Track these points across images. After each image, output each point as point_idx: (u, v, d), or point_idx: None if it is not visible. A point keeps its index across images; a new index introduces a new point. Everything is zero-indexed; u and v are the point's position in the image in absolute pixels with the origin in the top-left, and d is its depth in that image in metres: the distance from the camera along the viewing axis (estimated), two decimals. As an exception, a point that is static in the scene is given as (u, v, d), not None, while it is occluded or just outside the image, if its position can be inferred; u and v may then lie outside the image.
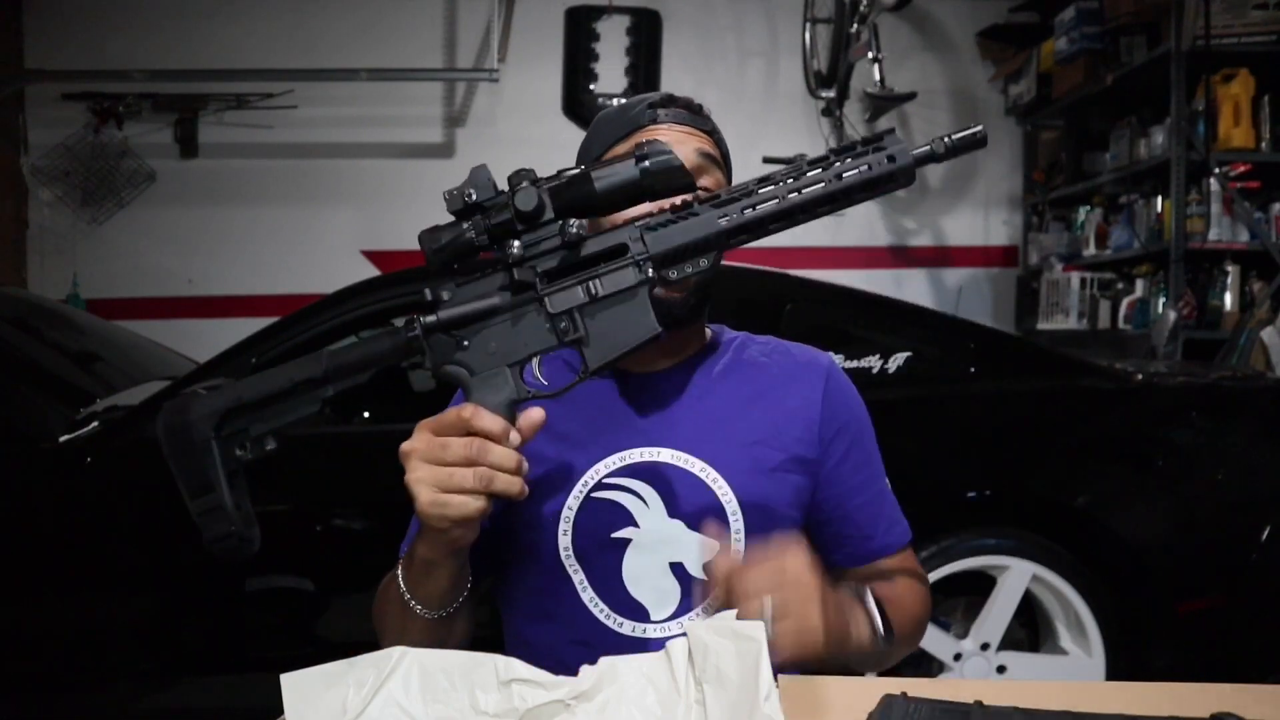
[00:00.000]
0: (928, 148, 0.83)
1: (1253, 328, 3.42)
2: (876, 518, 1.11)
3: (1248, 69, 3.69)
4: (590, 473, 1.03)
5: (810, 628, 0.83)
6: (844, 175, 0.82)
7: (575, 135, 4.27)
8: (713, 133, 1.08)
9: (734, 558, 0.93)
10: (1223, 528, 2.22)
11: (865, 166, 0.82)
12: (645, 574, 1.01)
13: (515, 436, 0.83)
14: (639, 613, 1.01)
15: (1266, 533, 2.17)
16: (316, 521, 2.09)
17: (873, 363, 2.26)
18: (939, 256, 5.13)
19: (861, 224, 4.94)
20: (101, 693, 2.14)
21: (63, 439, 2.16)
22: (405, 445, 0.83)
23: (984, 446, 2.27)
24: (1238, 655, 2.21)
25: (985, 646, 2.18)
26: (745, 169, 1.13)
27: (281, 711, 0.75)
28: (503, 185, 0.83)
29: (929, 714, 0.75)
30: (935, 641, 2.17)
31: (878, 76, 4.10)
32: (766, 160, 4.23)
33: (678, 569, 1.02)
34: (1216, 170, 3.70)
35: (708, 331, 1.14)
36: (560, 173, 0.85)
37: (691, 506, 1.02)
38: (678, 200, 0.87)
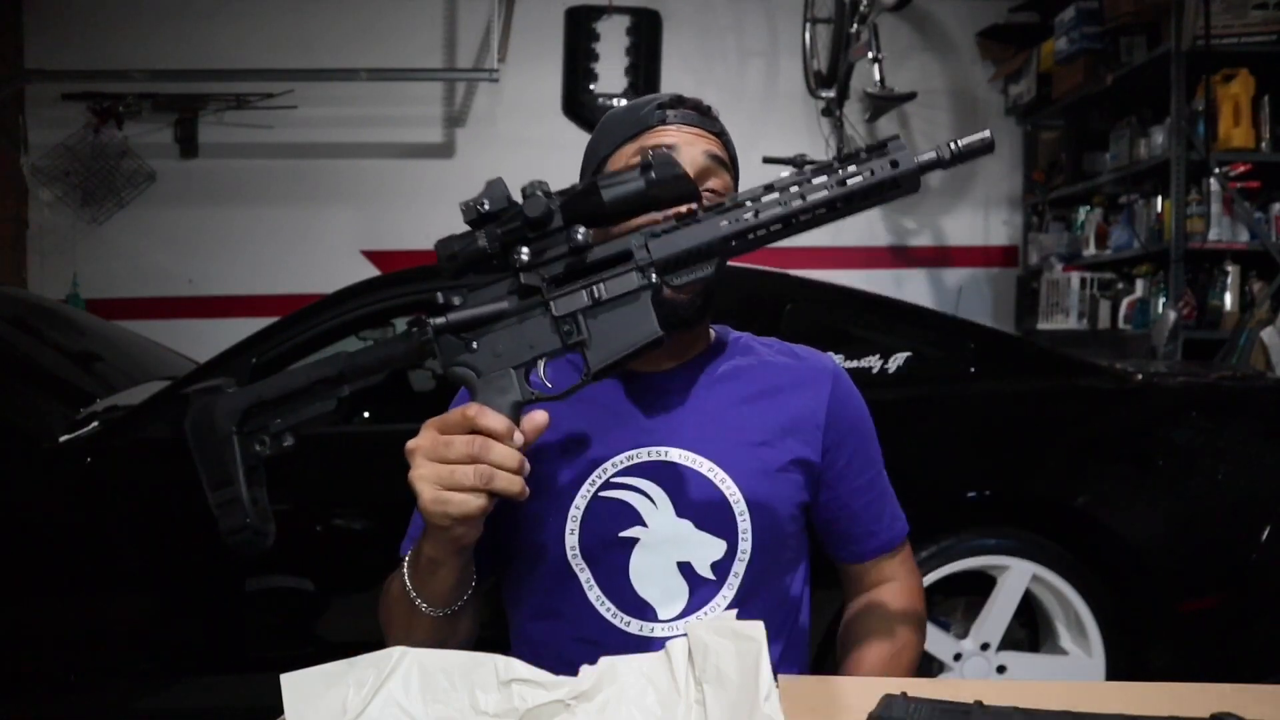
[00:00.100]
0: (933, 154, 0.82)
1: (1253, 328, 3.42)
2: (879, 516, 1.14)
3: (1248, 69, 3.69)
4: (598, 472, 1.03)
5: None
6: (848, 181, 0.82)
7: (575, 135, 4.28)
8: (721, 134, 1.08)
9: None
10: (1223, 528, 2.22)
11: (869, 173, 0.82)
12: (652, 573, 1.02)
13: (518, 437, 0.84)
14: (646, 612, 1.02)
15: (1266, 533, 2.17)
16: (316, 521, 2.09)
17: (873, 363, 2.26)
18: (939, 256, 5.13)
19: (861, 224, 4.94)
20: (101, 693, 2.14)
21: (63, 439, 2.16)
22: (411, 443, 0.84)
23: (984, 446, 2.27)
24: (1238, 655, 2.20)
25: (985, 646, 2.18)
26: (745, 169, 1.14)
27: (281, 711, 0.75)
28: (517, 197, 0.85)
29: (929, 714, 0.75)
30: (935, 641, 2.17)
31: (878, 76, 4.10)
32: (766, 160, 4.23)
33: (685, 568, 1.02)
34: (1216, 170, 3.70)
35: (712, 332, 1.15)
36: (572, 186, 0.86)
37: (699, 506, 1.02)
38: (683, 209, 0.87)
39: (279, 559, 2.10)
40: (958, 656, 2.18)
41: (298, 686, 0.75)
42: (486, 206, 0.84)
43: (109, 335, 3.10)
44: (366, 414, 2.49)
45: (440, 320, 0.86)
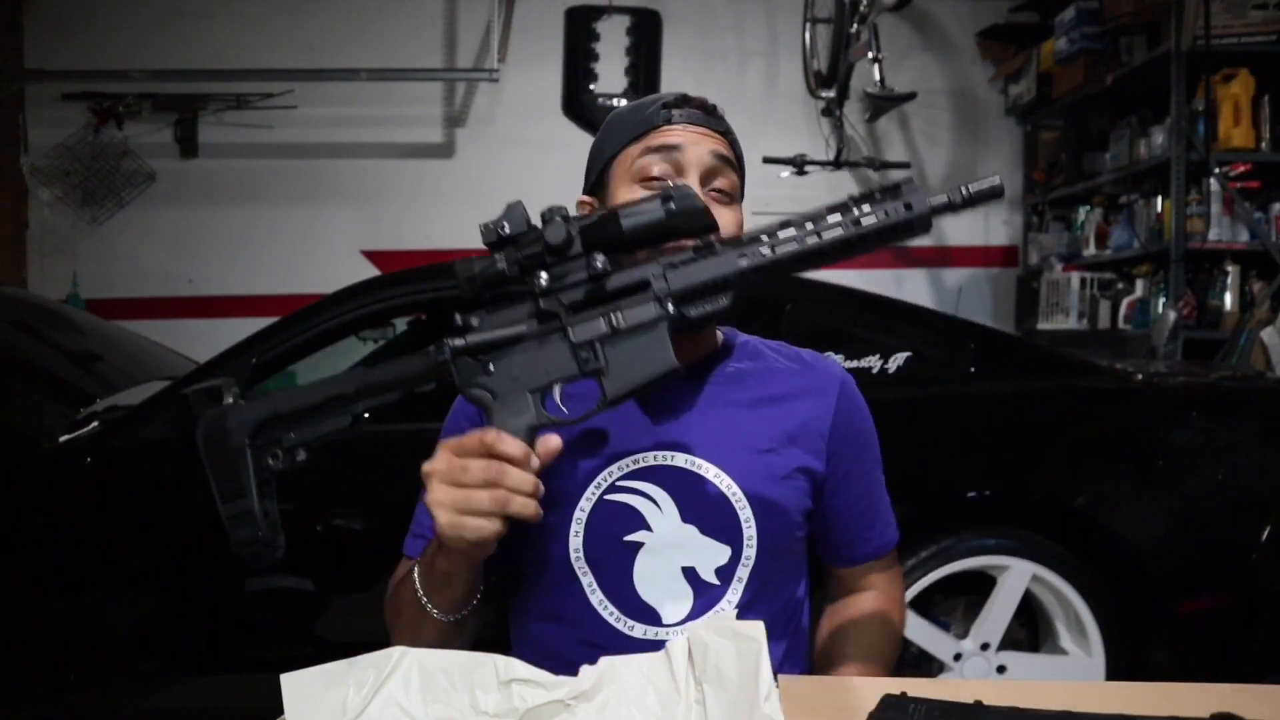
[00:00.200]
0: (945, 198, 0.84)
1: (1253, 328, 3.42)
2: (873, 523, 1.14)
3: (1248, 69, 3.69)
4: (603, 475, 1.03)
5: None
6: (862, 222, 0.84)
7: (575, 135, 4.27)
8: (727, 133, 1.07)
9: None
10: (1223, 528, 2.22)
11: (883, 214, 0.84)
12: (657, 577, 1.02)
13: (534, 460, 0.85)
14: (650, 616, 1.01)
15: (1266, 533, 2.17)
16: (316, 521, 2.09)
17: (873, 363, 2.26)
18: (939, 256, 5.13)
19: (862, 224, 4.94)
20: (101, 693, 2.14)
21: (63, 439, 2.16)
22: (427, 466, 0.85)
23: (984, 446, 2.27)
24: (1238, 655, 2.20)
25: (985, 646, 2.18)
26: (746, 169, 1.13)
27: (281, 711, 0.75)
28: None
29: (929, 714, 0.75)
30: (935, 641, 2.17)
31: (878, 76, 4.10)
32: (766, 160, 4.23)
33: (690, 573, 1.02)
34: (1216, 170, 3.70)
35: (718, 335, 1.14)
36: (591, 210, 0.88)
37: (704, 511, 1.02)
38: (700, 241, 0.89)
39: (279, 559, 2.09)
40: (958, 656, 2.18)
41: (298, 686, 0.75)
42: (507, 229, 0.85)
43: (109, 335, 3.10)
44: (367, 414, 2.49)
45: (459, 342, 0.87)
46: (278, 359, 2.23)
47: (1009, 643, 2.22)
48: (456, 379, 0.88)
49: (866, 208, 0.84)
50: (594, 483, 1.03)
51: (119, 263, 4.91)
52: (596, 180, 1.08)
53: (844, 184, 4.90)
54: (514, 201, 0.87)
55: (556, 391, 0.88)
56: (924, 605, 2.19)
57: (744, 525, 1.02)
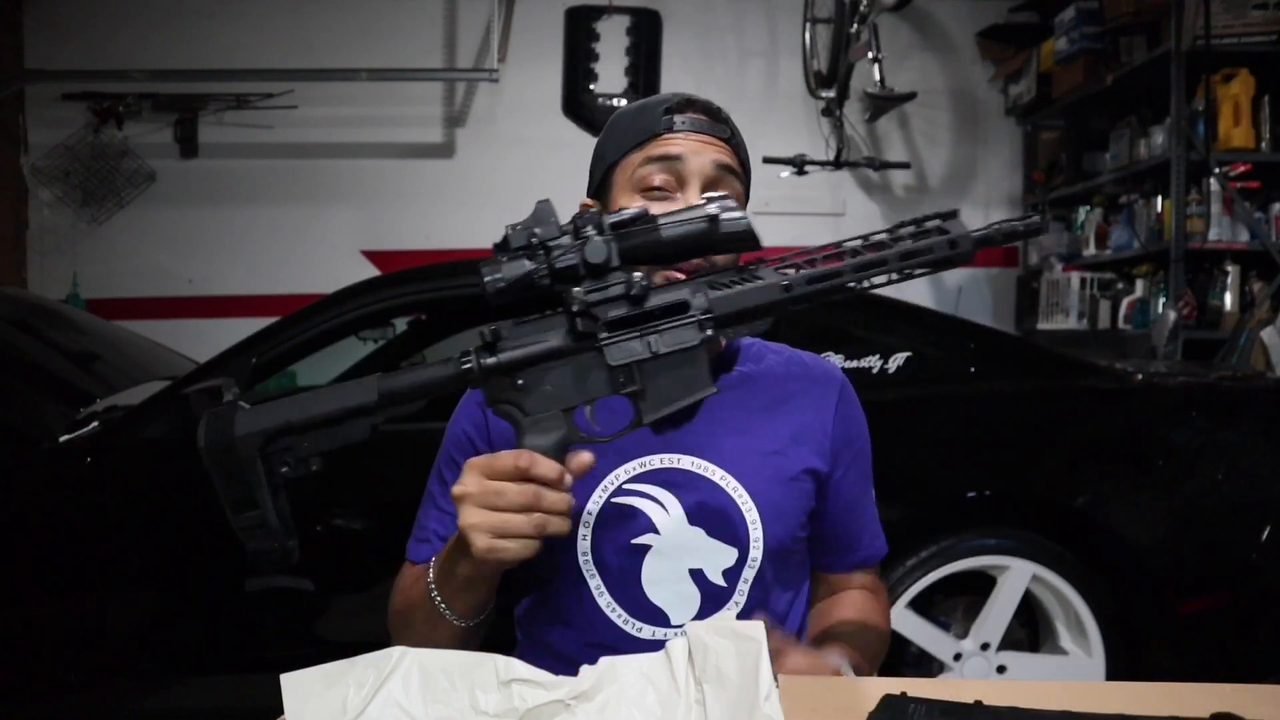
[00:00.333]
0: (985, 232, 0.87)
1: (1253, 328, 3.42)
2: (863, 531, 1.15)
3: (1248, 69, 3.68)
4: (610, 478, 1.03)
5: None
6: (906, 255, 0.85)
7: (575, 135, 4.26)
8: (731, 139, 1.05)
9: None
10: (1223, 528, 2.22)
11: (928, 250, 0.85)
12: (665, 580, 1.02)
13: (568, 479, 0.84)
14: (657, 617, 1.02)
15: (1266, 533, 2.17)
16: (316, 521, 2.09)
17: (873, 363, 2.26)
18: (939, 256, 5.12)
19: (862, 224, 4.94)
20: (101, 693, 2.14)
21: (63, 439, 2.16)
22: (457, 489, 0.84)
23: (984, 446, 2.27)
24: (1238, 655, 2.20)
25: (985, 646, 2.18)
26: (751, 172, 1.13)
27: (281, 711, 0.75)
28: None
29: (929, 714, 0.75)
30: (935, 641, 2.17)
31: (878, 76, 4.10)
32: (767, 160, 4.23)
33: (697, 575, 1.02)
34: (1216, 170, 3.70)
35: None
36: (620, 209, 0.86)
37: (711, 514, 1.02)
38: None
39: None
40: (958, 656, 2.18)
41: (298, 686, 0.75)
42: (538, 235, 0.83)
43: (109, 335, 3.10)
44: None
45: (491, 361, 0.85)
46: (278, 359, 2.23)
47: (1009, 643, 2.22)
48: (486, 394, 0.86)
49: (910, 242, 0.85)
50: (601, 485, 1.03)
51: (119, 263, 4.91)
52: (599, 185, 1.07)
53: (844, 184, 4.91)
54: (543, 200, 0.84)
55: (587, 407, 0.87)
56: (924, 605, 2.19)
57: (750, 528, 1.02)
